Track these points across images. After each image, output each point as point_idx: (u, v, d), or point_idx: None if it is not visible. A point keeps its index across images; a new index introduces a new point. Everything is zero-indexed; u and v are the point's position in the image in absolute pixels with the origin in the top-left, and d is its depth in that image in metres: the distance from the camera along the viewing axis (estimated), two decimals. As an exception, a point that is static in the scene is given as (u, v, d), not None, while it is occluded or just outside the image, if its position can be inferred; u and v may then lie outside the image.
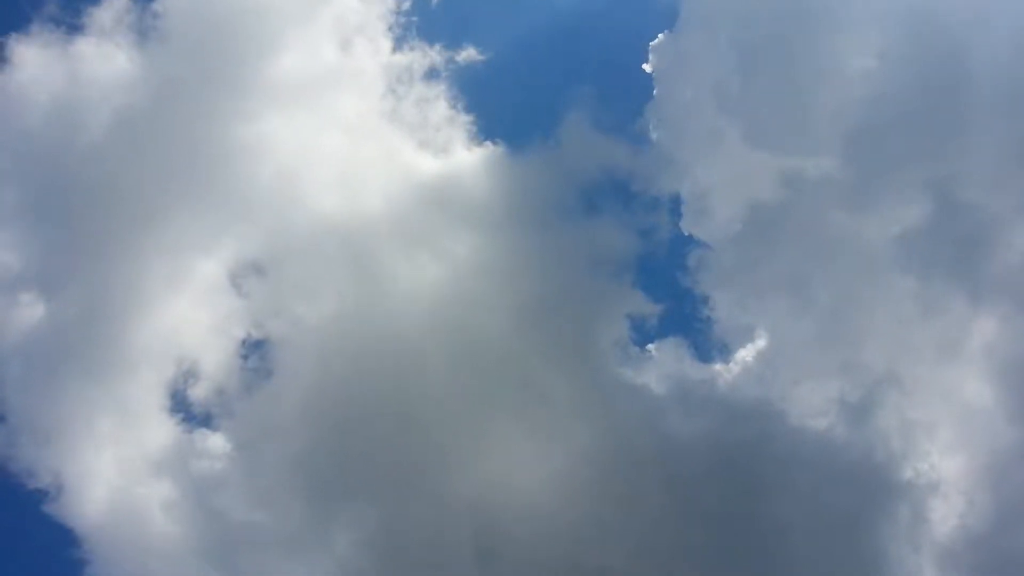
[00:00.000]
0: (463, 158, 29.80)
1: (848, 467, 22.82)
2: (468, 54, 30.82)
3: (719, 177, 26.74)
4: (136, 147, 28.28)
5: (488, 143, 29.75)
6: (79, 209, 28.03)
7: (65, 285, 27.57)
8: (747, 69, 26.99)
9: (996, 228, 24.80)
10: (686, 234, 27.20)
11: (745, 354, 25.84)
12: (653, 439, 23.93)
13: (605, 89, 29.50)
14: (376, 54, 30.30)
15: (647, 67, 28.73)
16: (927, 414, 23.59)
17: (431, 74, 30.43)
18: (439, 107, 30.21)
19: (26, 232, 27.97)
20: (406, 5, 30.50)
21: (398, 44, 30.37)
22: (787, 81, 26.84)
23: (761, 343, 25.87)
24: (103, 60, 29.36)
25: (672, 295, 27.04)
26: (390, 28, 30.29)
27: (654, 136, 28.24)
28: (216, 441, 26.05)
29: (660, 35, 28.83)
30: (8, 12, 29.55)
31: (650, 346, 26.60)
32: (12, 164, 28.61)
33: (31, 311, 27.16)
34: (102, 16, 29.29)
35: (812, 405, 23.72)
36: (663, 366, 25.62)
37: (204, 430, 26.19)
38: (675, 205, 27.52)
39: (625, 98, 29.53)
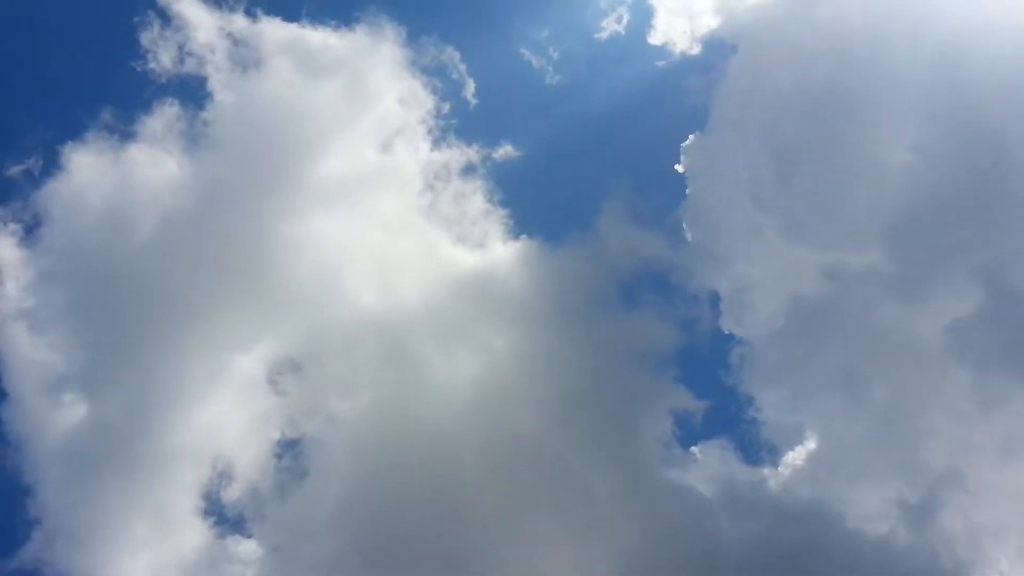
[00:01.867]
0: (500, 252, 29.18)
1: (911, 574, 20.62)
2: (504, 151, 30.58)
3: (758, 273, 25.82)
4: (181, 248, 28.19)
5: (524, 237, 29.22)
6: (124, 310, 27.80)
7: (107, 386, 27.16)
8: (781, 166, 26.39)
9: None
10: (726, 332, 26.02)
11: (795, 456, 24.27)
12: (701, 542, 22.10)
13: (641, 182, 28.99)
14: (415, 153, 30.18)
15: (679, 167, 28.28)
16: (994, 517, 21.39)
17: (468, 170, 30.18)
18: (476, 202, 29.80)
19: (72, 333, 27.70)
20: (445, 106, 30.53)
21: (436, 143, 30.31)
22: (823, 176, 26.17)
23: (811, 444, 24.34)
24: (153, 165, 29.64)
25: (716, 392, 25.51)
26: (428, 128, 30.32)
27: (689, 235, 27.53)
28: (249, 546, 24.92)
29: (691, 136, 28.39)
30: (65, 121, 30.08)
31: (694, 448, 25.00)
32: (62, 266, 28.58)
33: (73, 412, 26.70)
34: (154, 124, 29.73)
35: (870, 508, 21.81)
36: (709, 468, 23.86)
37: (237, 534, 25.04)
38: (714, 302, 26.44)
39: (661, 192, 28.90)
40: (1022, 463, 21.98)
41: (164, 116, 29.51)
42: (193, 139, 29.45)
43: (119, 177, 29.29)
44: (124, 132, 29.33)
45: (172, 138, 29.52)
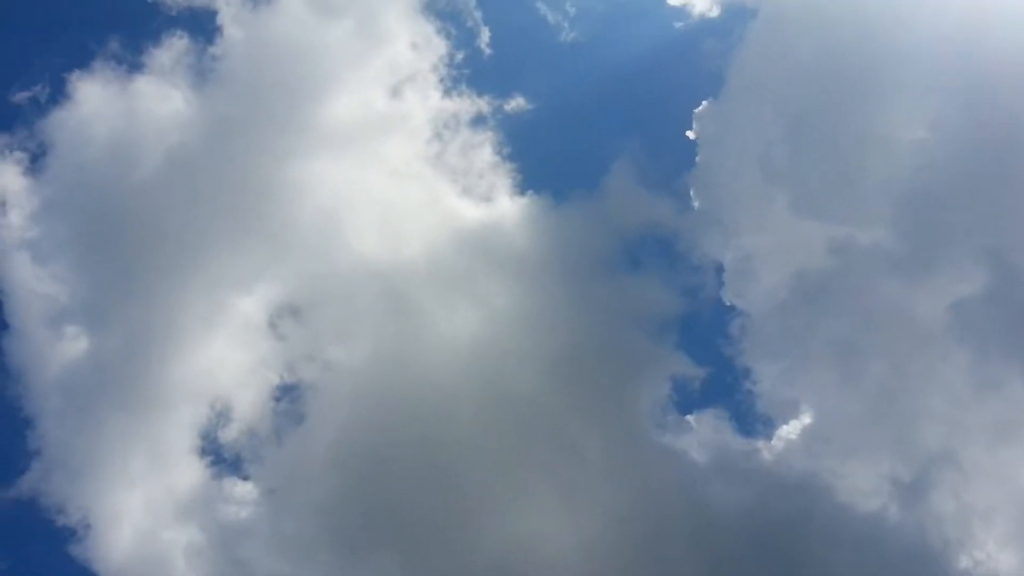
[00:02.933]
0: (506, 206, 28.44)
1: (899, 551, 20.43)
2: (516, 103, 29.57)
3: (764, 245, 25.13)
4: (186, 185, 27.56)
5: (531, 193, 28.38)
6: (127, 244, 27.28)
7: (109, 320, 26.73)
8: (794, 137, 25.57)
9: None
10: (727, 304, 25.45)
11: (789, 430, 23.85)
12: (691, 508, 21.92)
13: (652, 145, 28.12)
14: (425, 100, 29.17)
15: (691, 134, 27.45)
16: (985, 499, 21.10)
17: (478, 121, 29.21)
18: (484, 155, 28.93)
19: (75, 265, 27.20)
20: (457, 54, 29.42)
21: (447, 91, 29.23)
22: (835, 150, 25.36)
23: (807, 419, 23.89)
24: (160, 99, 28.83)
25: (715, 361, 25.01)
26: (440, 75, 29.19)
27: (696, 203, 26.81)
28: (245, 486, 24.73)
29: (704, 102, 27.38)
30: (73, 49, 29.09)
31: (689, 417, 24.61)
32: (66, 197, 27.95)
33: (74, 345, 26.33)
34: (162, 56, 28.94)
35: (862, 483, 21.50)
36: (703, 435, 23.48)
37: (234, 475, 24.87)
38: (718, 271, 25.79)
39: (671, 156, 28.02)
40: (1015, 447, 21.63)
41: (173, 49, 28.82)
42: (201, 74, 28.75)
43: (125, 109, 28.63)
44: (132, 63, 28.64)
45: (180, 72, 28.84)
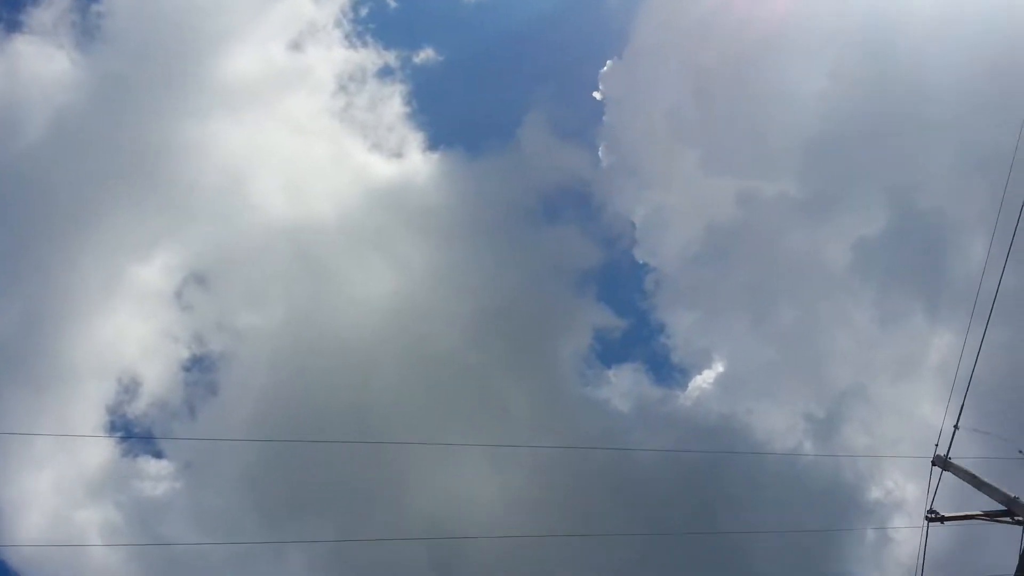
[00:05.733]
0: (417, 161, 26.62)
1: (815, 486, 20.23)
2: (425, 55, 27.52)
3: (674, 201, 24.35)
4: (76, 148, 24.87)
5: (443, 147, 26.69)
6: (16, 214, 24.34)
7: (3, 294, 23.86)
8: (699, 94, 24.73)
9: (953, 233, 22.32)
10: (640, 262, 24.49)
11: (703, 379, 23.47)
12: (614, 456, 21.00)
13: (562, 101, 26.61)
14: (328, 52, 26.84)
15: (597, 95, 26.07)
16: (892, 431, 21.01)
17: (385, 73, 27.05)
18: (393, 108, 26.86)
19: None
20: (362, 6, 27.14)
21: (351, 43, 26.98)
22: (740, 105, 24.73)
23: (720, 367, 23.43)
24: (43, 59, 25.68)
25: (632, 314, 24.16)
26: (343, 27, 26.94)
27: (605, 162, 25.63)
28: (159, 462, 22.68)
29: (608, 62, 26.03)
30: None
31: (609, 371, 23.73)
32: (-56, 166, 24.62)
33: (-36, 322, 23.39)
34: (43, 15, 25.85)
35: (777, 423, 21.22)
36: (623, 387, 22.67)
37: (145, 450, 22.78)
38: (630, 230, 24.61)
39: (582, 111, 26.66)
40: (918, 380, 21.58)
41: (54, 6, 25.77)
42: (86, 32, 25.82)
43: (6, 71, 25.46)
44: (10, 22, 25.65)
45: (63, 30, 25.81)
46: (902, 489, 20.52)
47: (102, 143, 24.79)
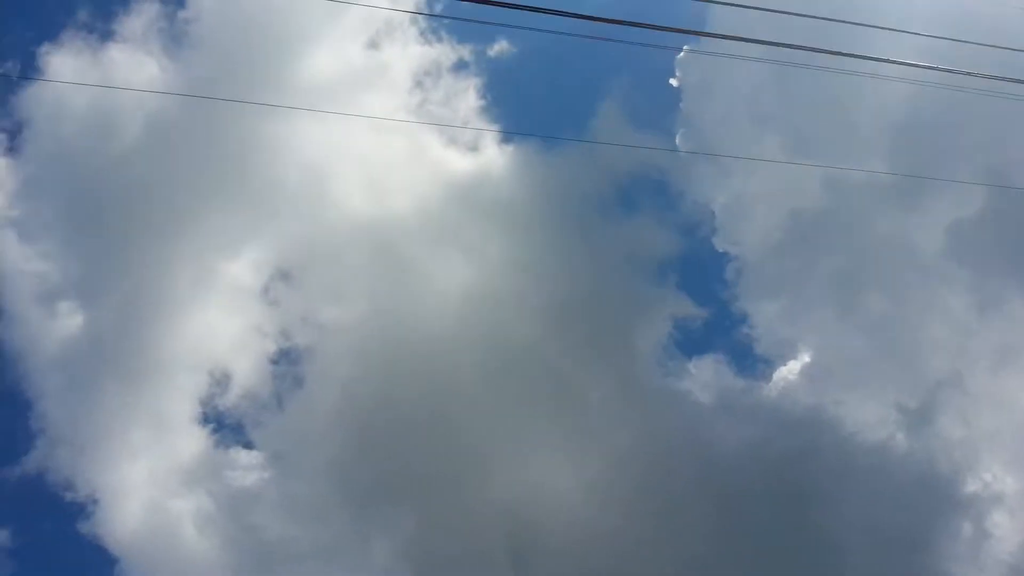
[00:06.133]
0: (493, 154, 26.63)
1: (908, 479, 19.30)
2: (499, 48, 27.42)
3: (756, 187, 23.50)
4: (167, 152, 25.81)
5: (519, 138, 26.46)
6: (113, 216, 25.55)
7: (101, 293, 25.18)
8: (780, 77, 23.80)
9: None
10: (720, 251, 23.92)
11: (788, 370, 22.50)
12: (696, 448, 20.75)
13: (637, 87, 26.06)
14: (404, 49, 27.09)
15: (674, 81, 25.45)
16: (991, 422, 19.90)
17: (460, 67, 27.09)
18: (468, 102, 26.89)
19: (63, 241, 25.40)
20: (436, 1, 27.16)
21: (426, 39, 27.10)
22: (822, 87, 23.28)
23: (806, 357, 22.56)
24: (135, 66, 26.71)
25: (712, 304, 23.44)
26: (418, 24, 27.04)
27: (684, 149, 25.00)
28: (249, 452, 23.39)
29: (685, 47, 25.41)
30: (40, 21, 26.83)
31: (688, 364, 23.20)
32: (48, 174, 26.01)
33: (70, 321, 24.71)
34: (133, 23, 26.79)
35: (868, 414, 20.30)
36: (703, 379, 22.07)
37: (237, 441, 23.54)
38: (711, 215, 24.01)
39: (658, 96, 26.02)
40: (1019, 367, 20.29)
41: (143, 14, 26.74)
42: (174, 38, 26.62)
43: (100, 79, 26.53)
44: (103, 32, 26.45)
45: (153, 37, 26.71)
46: (1001, 481, 19.57)
47: (192, 145, 25.67)
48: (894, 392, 20.39)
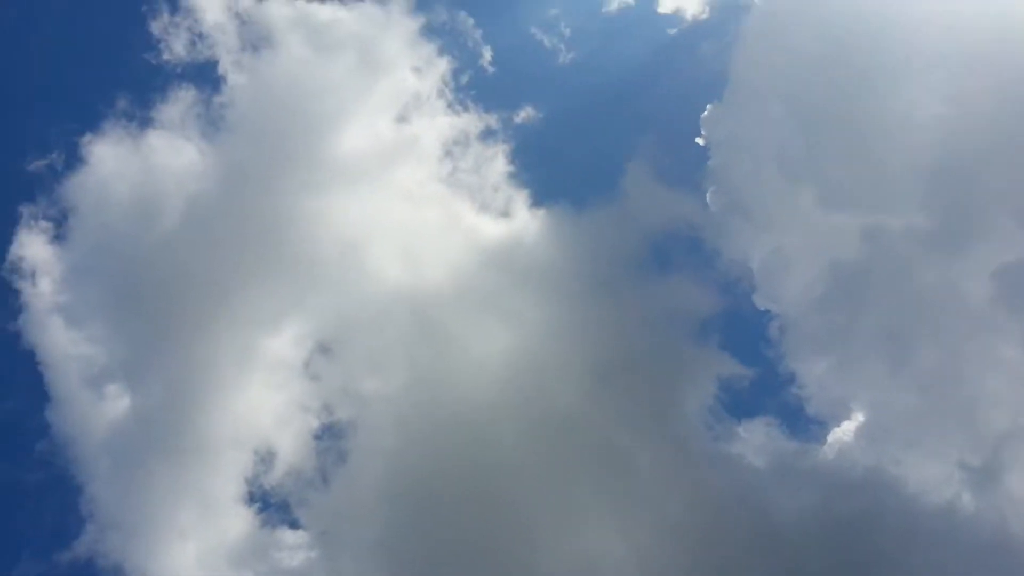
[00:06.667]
0: (525, 219, 26.74)
1: (978, 541, 18.26)
2: (525, 114, 27.75)
3: (792, 242, 23.10)
4: (207, 232, 26.35)
5: (549, 202, 26.58)
6: (157, 297, 25.97)
7: (147, 374, 25.48)
8: (807, 129, 23.78)
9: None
10: (761, 309, 23.43)
11: (842, 431, 21.80)
12: (751, 514, 19.97)
13: (663, 146, 26.17)
14: (432, 120, 27.49)
15: (700, 140, 25.57)
16: (1061, 474, 18.80)
17: (488, 135, 27.40)
18: (497, 168, 27.13)
19: (108, 325, 26.00)
20: (461, 74, 27.75)
21: (453, 110, 27.50)
22: (852, 137, 23.46)
23: (860, 416, 21.86)
24: (173, 152, 27.56)
25: (758, 363, 22.79)
26: (445, 95, 27.51)
27: (713, 207, 24.87)
28: (295, 530, 23.17)
29: (709, 106, 25.65)
30: (82, 112, 27.80)
31: (739, 426, 22.57)
32: (92, 259, 26.77)
33: (116, 404, 25.10)
34: (170, 110, 27.60)
35: (929, 474, 19.38)
36: (755, 442, 21.35)
37: (283, 520, 23.36)
38: (748, 276, 23.70)
39: (684, 158, 26.04)
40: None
41: (180, 102, 27.58)
42: (211, 122, 27.53)
43: (141, 165, 27.34)
44: (142, 119, 27.37)
45: (190, 123, 27.60)
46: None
47: (231, 225, 26.14)
48: (956, 449, 19.51)
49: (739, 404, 22.30)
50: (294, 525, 23.07)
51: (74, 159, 26.81)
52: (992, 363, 20.02)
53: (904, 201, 21.86)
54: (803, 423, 21.61)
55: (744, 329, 23.59)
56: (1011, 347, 19.96)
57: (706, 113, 25.69)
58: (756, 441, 21.22)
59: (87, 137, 26.80)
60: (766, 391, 22.35)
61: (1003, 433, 19.46)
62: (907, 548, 18.40)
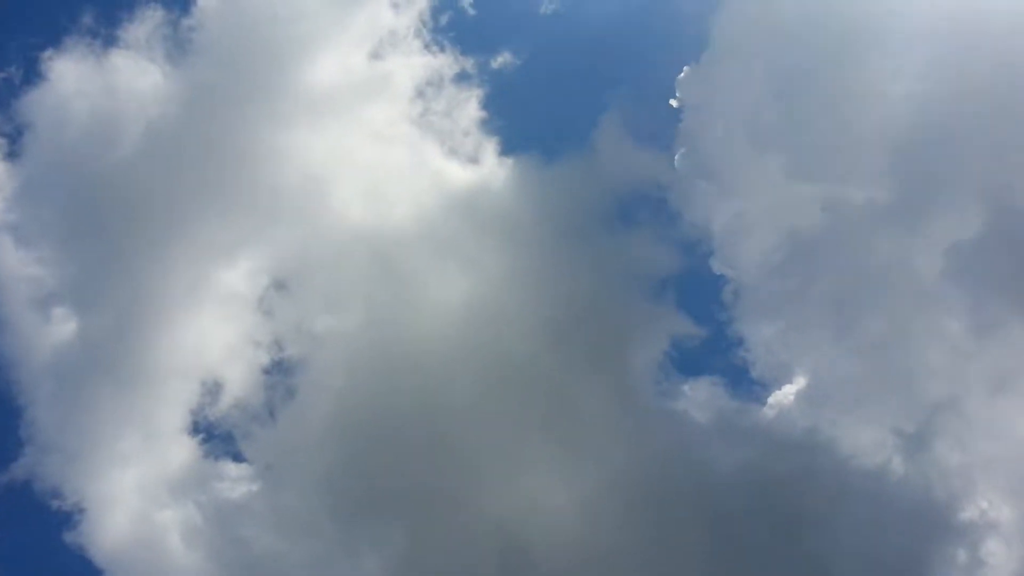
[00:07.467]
0: (493, 166, 26.39)
1: (903, 505, 18.95)
2: (502, 60, 27.27)
3: (755, 208, 23.23)
4: (167, 159, 25.64)
5: (519, 151, 26.24)
6: (111, 222, 25.43)
7: (96, 299, 25.02)
8: (780, 98, 23.71)
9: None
10: (717, 273, 23.62)
11: (783, 395, 22.20)
12: (692, 468, 20.44)
13: (638, 104, 25.92)
14: (407, 59, 26.83)
15: (674, 102, 25.41)
16: (988, 448, 19.53)
17: (462, 79, 26.87)
18: (469, 113, 26.67)
19: (59, 246, 25.41)
20: (440, 13, 27.04)
21: (429, 49, 26.88)
22: (823, 108, 23.48)
23: (801, 381, 22.23)
24: (137, 73, 26.60)
25: (709, 324, 23.07)
26: (422, 36, 26.86)
27: (683, 170, 24.81)
28: (238, 463, 23.13)
29: (686, 68, 25.39)
30: (44, 26, 26.67)
31: (684, 386, 22.97)
32: (46, 178, 26.01)
33: (63, 327, 24.66)
34: (136, 29, 26.63)
35: (864, 438, 19.95)
36: (699, 399, 21.70)
37: (226, 452, 23.25)
38: (708, 239, 23.86)
39: (659, 113, 25.86)
40: (1017, 394, 19.97)
41: (147, 22, 26.57)
42: (178, 44, 26.55)
43: (102, 85, 26.43)
44: (106, 37, 26.33)
45: (156, 44, 26.62)
46: (997, 509, 19.20)
47: (191, 152, 25.49)
48: (891, 416, 20.09)
49: (688, 362, 22.71)
50: (238, 458, 23.06)
51: (33, 74, 26.04)
52: (934, 336, 20.55)
53: (868, 175, 22.12)
54: (746, 384, 22.14)
55: (699, 290, 23.89)
56: (954, 321, 20.50)
57: (682, 75, 25.59)
58: (700, 398, 21.70)
59: (48, 52, 26.00)
60: (714, 352, 22.79)
61: (937, 403, 20.14)
62: (837, 506, 19.05)
